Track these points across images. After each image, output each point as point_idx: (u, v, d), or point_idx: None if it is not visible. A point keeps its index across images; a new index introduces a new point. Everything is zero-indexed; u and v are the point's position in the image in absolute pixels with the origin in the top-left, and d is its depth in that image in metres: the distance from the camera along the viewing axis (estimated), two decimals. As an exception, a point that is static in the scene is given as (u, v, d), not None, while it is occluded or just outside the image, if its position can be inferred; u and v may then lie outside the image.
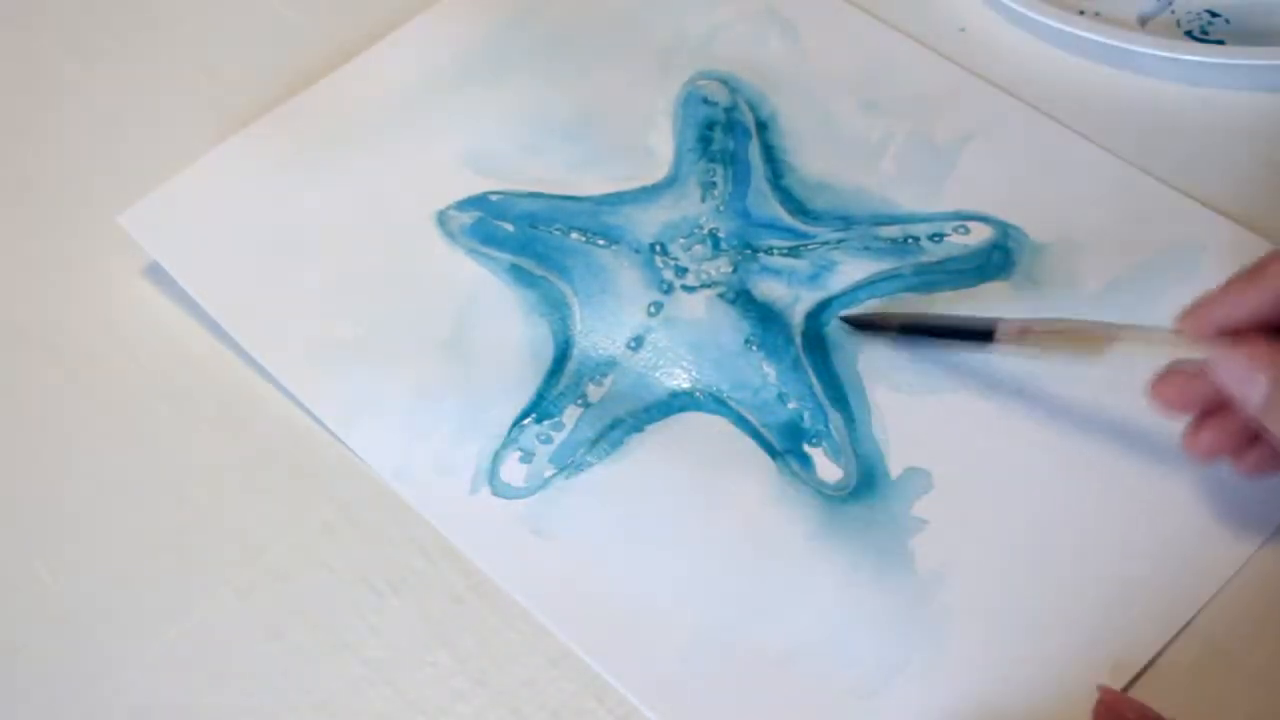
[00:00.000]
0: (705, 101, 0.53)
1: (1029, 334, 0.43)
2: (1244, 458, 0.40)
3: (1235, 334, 0.38)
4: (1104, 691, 0.39)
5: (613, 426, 0.45)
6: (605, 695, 0.41)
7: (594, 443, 0.45)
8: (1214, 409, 0.40)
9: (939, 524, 0.43)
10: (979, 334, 0.44)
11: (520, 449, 0.45)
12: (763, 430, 0.45)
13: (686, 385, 0.46)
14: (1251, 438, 0.40)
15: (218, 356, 0.48)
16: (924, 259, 0.49)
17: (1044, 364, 0.46)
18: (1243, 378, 0.37)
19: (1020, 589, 0.42)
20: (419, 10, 0.56)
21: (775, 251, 0.49)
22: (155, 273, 0.50)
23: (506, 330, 0.48)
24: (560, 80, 0.54)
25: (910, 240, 0.49)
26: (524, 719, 0.41)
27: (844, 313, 0.47)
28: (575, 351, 0.47)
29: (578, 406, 0.46)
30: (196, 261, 0.50)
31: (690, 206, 0.50)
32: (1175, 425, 0.41)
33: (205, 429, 0.47)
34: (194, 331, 0.49)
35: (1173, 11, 0.55)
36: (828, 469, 0.44)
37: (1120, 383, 0.43)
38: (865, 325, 0.47)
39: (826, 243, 0.49)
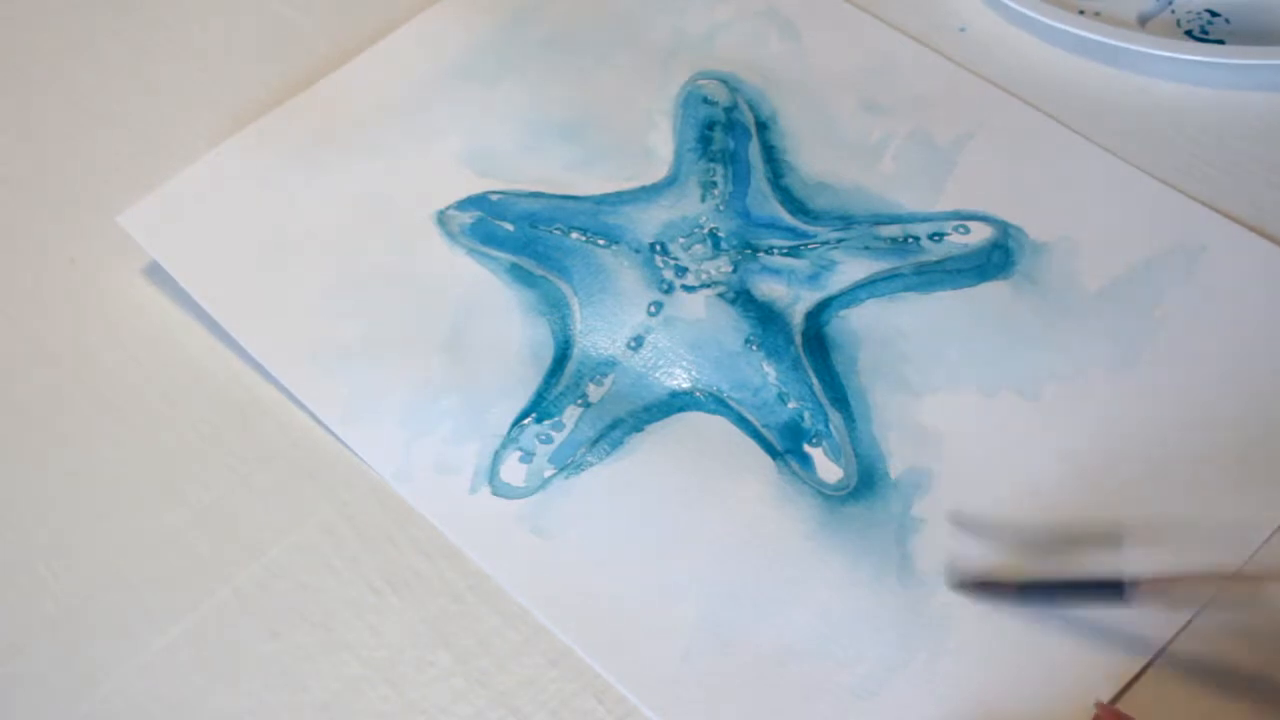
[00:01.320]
0: (705, 101, 0.53)
1: (1165, 590, 0.38)
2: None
3: None
4: (1100, 709, 0.38)
5: (613, 426, 0.45)
6: (605, 695, 0.41)
7: (594, 442, 0.45)
8: None
9: (939, 524, 0.43)
10: (1108, 589, 0.39)
11: (520, 449, 0.45)
12: (763, 430, 0.45)
13: (686, 385, 0.46)
14: None
15: (218, 356, 0.48)
16: (924, 258, 0.49)
17: (1046, 364, 0.46)
18: None
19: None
20: (419, 10, 0.56)
21: (775, 251, 0.49)
22: (155, 273, 0.50)
23: (506, 330, 0.48)
24: (560, 80, 0.54)
25: (910, 240, 0.49)
26: (524, 719, 0.41)
27: (962, 577, 0.42)
28: (575, 351, 0.47)
29: (578, 406, 0.46)
30: (196, 261, 0.50)
31: (690, 206, 0.50)
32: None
33: (205, 429, 0.47)
34: (194, 331, 0.49)
35: (1173, 11, 0.55)
36: (828, 469, 0.44)
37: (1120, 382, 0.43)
38: (981, 586, 0.41)
39: (826, 242, 0.49)
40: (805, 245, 0.49)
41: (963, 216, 0.49)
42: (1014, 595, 0.41)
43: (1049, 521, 0.42)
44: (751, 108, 0.53)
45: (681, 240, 0.49)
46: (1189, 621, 0.41)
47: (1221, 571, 0.38)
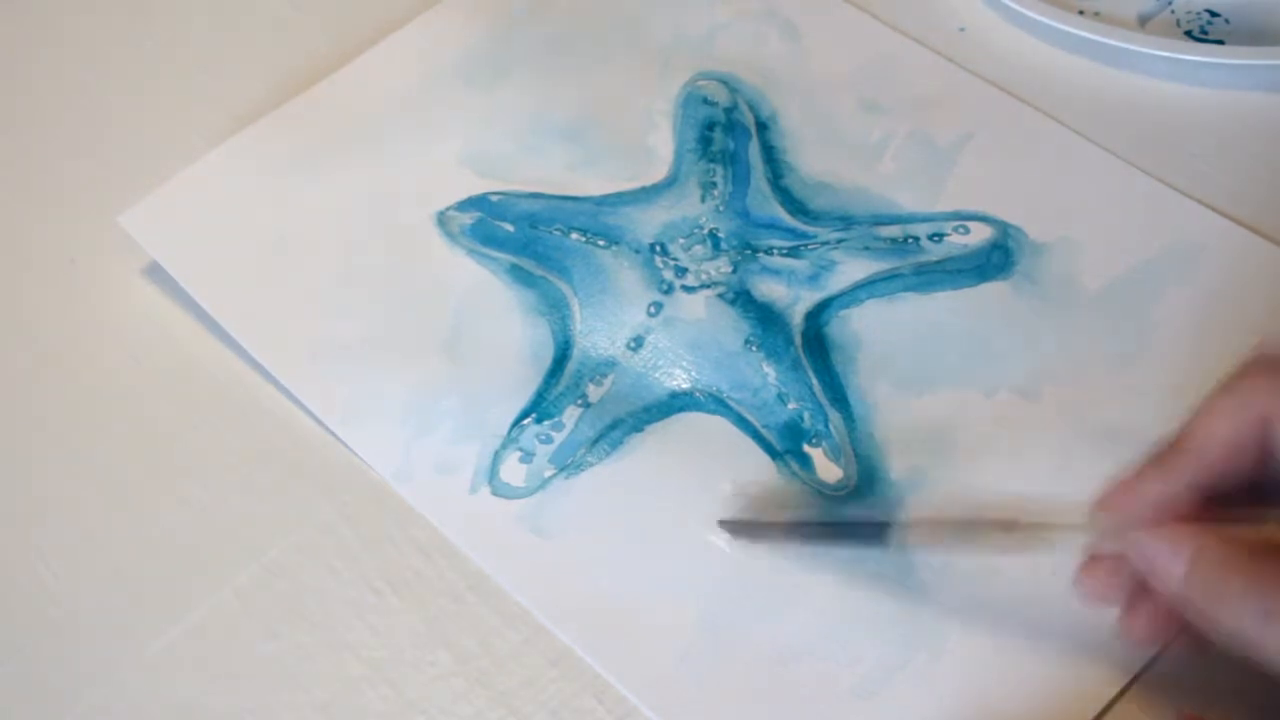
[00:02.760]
0: (705, 101, 0.53)
1: (927, 531, 0.40)
2: (1181, 639, 0.37)
3: (1152, 516, 0.35)
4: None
5: (613, 426, 0.45)
6: (605, 695, 0.41)
7: (594, 442, 0.45)
8: (1146, 590, 0.37)
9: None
10: (871, 529, 0.41)
11: (520, 449, 0.45)
12: (763, 430, 0.45)
13: (686, 385, 0.46)
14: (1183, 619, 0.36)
15: (218, 356, 0.48)
16: (924, 259, 0.49)
17: (1045, 364, 0.46)
18: (1160, 564, 0.34)
19: (1020, 588, 0.42)
20: (419, 10, 0.56)
21: (775, 251, 0.49)
22: (155, 273, 0.50)
23: (506, 330, 0.48)
24: (560, 80, 0.54)
25: (910, 240, 0.49)
26: (524, 719, 0.41)
27: (722, 519, 0.43)
28: (575, 351, 0.47)
29: (578, 406, 0.46)
30: (196, 261, 0.50)
31: (690, 206, 0.50)
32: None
33: (205, 429, 0.47)
34: (194, 331, 0.49)
35: (1172, 11, 0.55)
36: (828, 469, 0.44)
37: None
38: (748, 526, 0.43)
39: (826, 243, 0.49)
40: (805, 245, 0.49)
41: (962, 217, 0.49)
42: (781, 534, 0.42)
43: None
44: (751, 108, 0.53)
45: (681, 241, 0.49)
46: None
47: (990, 517, 0.39)
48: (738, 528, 0.43)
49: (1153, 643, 0.38)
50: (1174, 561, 0.34)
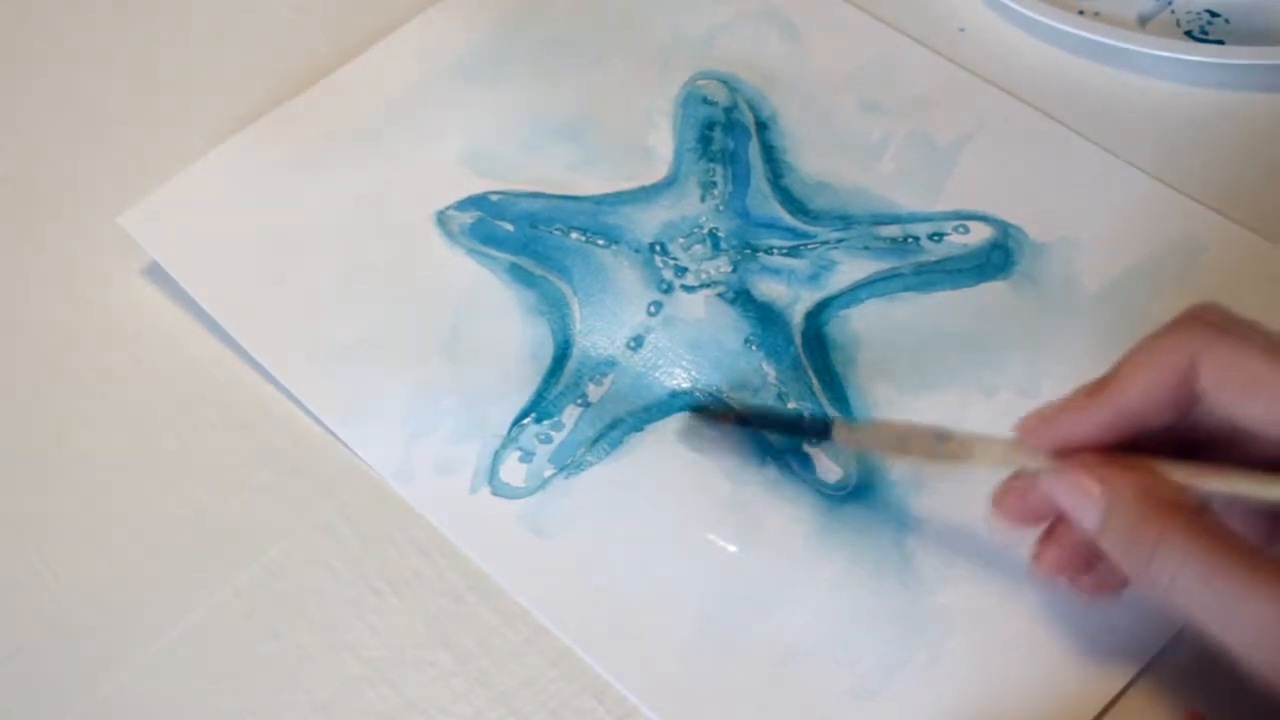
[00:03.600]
0: (705, 101, 0.53)
1: (860, 434, 0.42)
2: (1081, 579, 0.38)
3: (1075, 450, 0.36)
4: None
5: (612, 426, 0.45)
6: (605, 695, 0.41)
7: (594, 442, 0.45)
8: (1061, 523, 0.37)
9: (939, 523, 0.43)
10: (817, 425, 0.44)
11: (520, 448, 0.45)
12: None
13: (686, 385, 0.46)
14: (1094, 557, 0.37)
15: (218, 356, 0.48)
16: (924, 258, 0.49)
17: (1045, 363, 0.46)
18: (1077, 498, 0.35)
19: (1020, 587, 0.42)
20: (419, 10, 0.56)
21: (775, 251, 0.49)
22: (155, 273, 0.50)
23: (506, 330, 0.48)
24: (560, 80, 0.54)
25: (910, 240, 0.49)
26: (524, 719, 0.41)
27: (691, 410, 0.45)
28: (575, 351, 0.47)
29: (577, 406, 0.46)
30: (196, 261, 0.50)
31: (690, 206, 0.50)
32: None
33: (205, 429, 0.47)
34: (194, 331, 0.49)
35: (1172, 11, 0.55)
36: (827, 469, 0.44)
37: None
38: (703, 413, 0.45)
39: (826, 242, 0.49)
40: (805, 245, 0.49)
41: (962, 216, 0.49)
42: (732, 421, 0.44)
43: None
44: (751, 108, 0.53)
45: (681, 240, 0.49)
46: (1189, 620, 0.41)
47: (927, 427, 0.40)
48: (696, 416, 0.45)
49: (1060, 574, 0.38)
50: (1088, 500, 0.34)
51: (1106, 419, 0.35)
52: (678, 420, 0.45)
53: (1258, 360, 0.33)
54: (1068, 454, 0.36)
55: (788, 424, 0.45)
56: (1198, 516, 0.33)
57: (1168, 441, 0.35)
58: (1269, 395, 0.33)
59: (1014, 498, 0.38)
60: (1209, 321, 0.34)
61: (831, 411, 0.45)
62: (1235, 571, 0.31)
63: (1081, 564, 0.37)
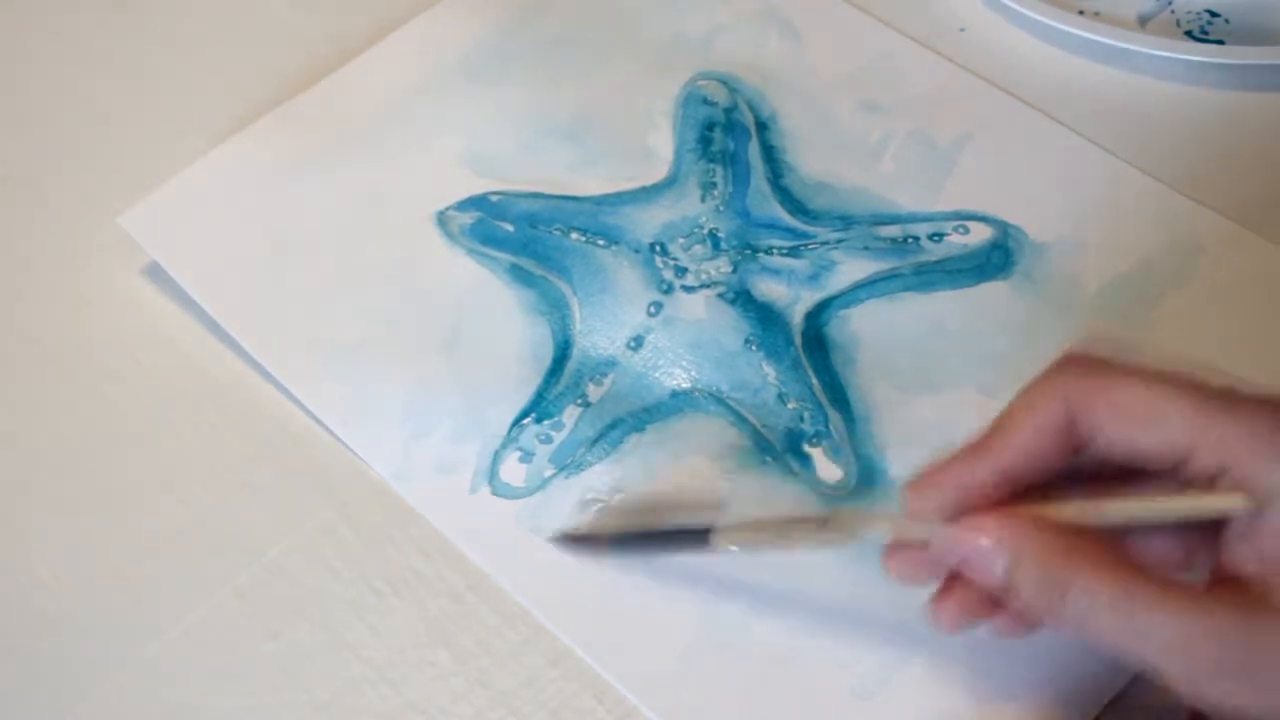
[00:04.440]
0: (705, 101, 0.53)
1: (740, 534, 0.39)
2: (995, 620, 0.37)
3: (967, 509, 0.35)
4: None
5: (612, 426, 0.45)
6: (605, 695, 0.41)
7: (594, 442, 0.45)
8: (956, 578, 0.37)
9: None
10: (694, 536, 0.40)
11: (520, 449, 0.45)
12: (762, 430, 0.45)
13: (686, 385, 0.46)
14: (995, 604, 0.36)
15: (218, 356, 0.48)
16: (924, 258, 0.49)
17: (1045, 363, 0.46)
18: (978, 554, 0.35)
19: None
20: (419, 10, 0.56)
21: (775, 251, 0.49)
22: (155, 273, 0.50)
23: (506, 330, 0.48)
24: (560, 80, 0.54)
25: (910, 240, 0.49)
26: (524, 719, 0.41)
27: (557, 533, 0.43)
28: (575, 351, 0.47)
29: (577, 406, 0.46)
30: (196, 261, 0.50)
31: (690, 206, 0.50)
32: None
33: (205, 429, 0.47)
34: (194, 331, 0.49)
35: (1173, 11, 0.55)
36: (827, 469, 0.44)
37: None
38: (575, 540, 0.43)
39: (826, 243, 0.49)
40: (805, 245, 0.49)
41: (962, 216, 0.49)
42: (606, 547, 0.42)
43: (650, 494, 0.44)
44: (751, 108, 0.53)
45: (681, 240, 0.49)
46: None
47: (805, 514, 0.40)
48: (568, 543, 0.43)
49: (960, 628, 0.37)
50: (992, 559, 0.34)
51: (994, 475, 0.35)
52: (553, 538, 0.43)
53: (1141, 391, 0.34)
54: (959, 514, 0.36)
55: (664, 540, 0.42)
56: (1100, 550, 0.34)
57: (1072, 482, 0.36)
58: (1157, 423, 0.33)
59: (906, 557, 0.37)
60: (1082, 363, 0.35)
61: (832, 413, 0.45)
62: (1144, 595, 0.32)
63: (983, 611, 0.37)
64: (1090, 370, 0.35)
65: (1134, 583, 0.33)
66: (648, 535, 0.42)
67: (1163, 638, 0.32)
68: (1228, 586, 0.33)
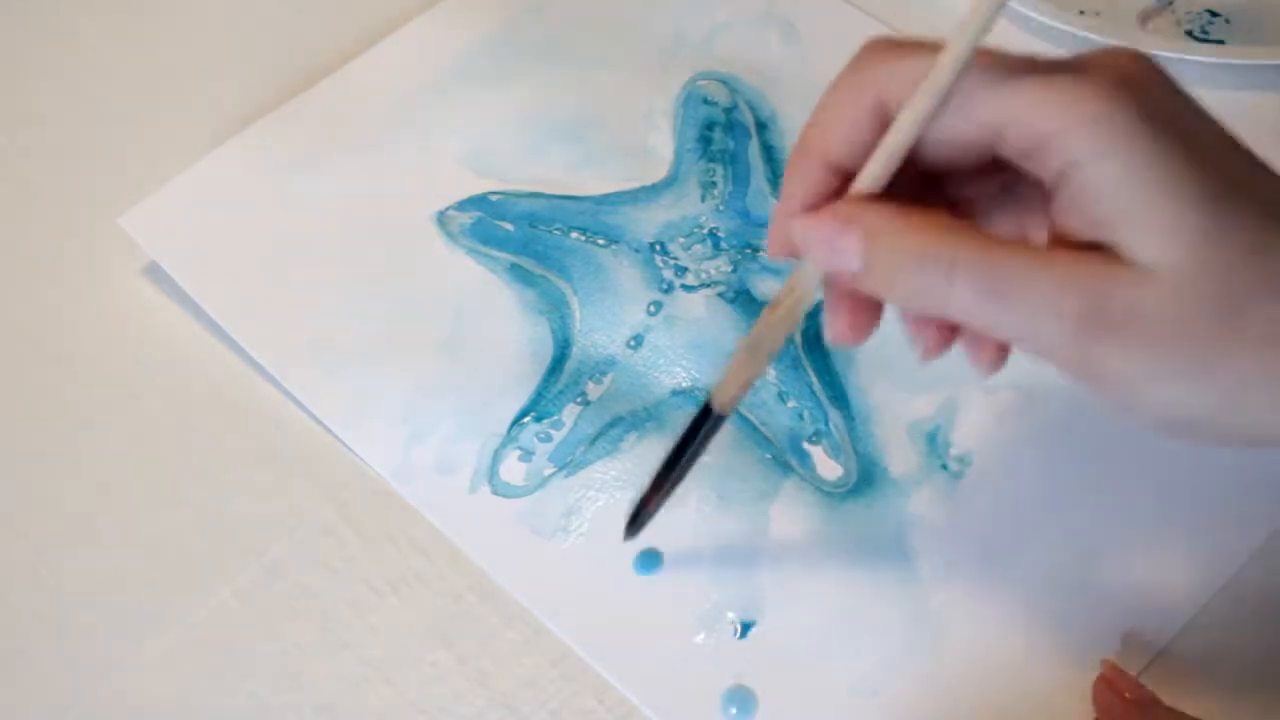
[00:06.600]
0: (705, 101, 0.53)
1: (732, 386, 0.37)
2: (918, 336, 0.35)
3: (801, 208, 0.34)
4: (1107, 667, 0.39)
5: (612, 425, 0.45)
6: (605, 695, 0.41)
7: (593, 441, 0.45)
8: (836, 292, 0.35)
9: (939, 521, 0.43)
10: (702, 422, 0.38)
11: (520, 447, 0.45)
12: (762, 428, 0.45)
13: (686, 384, 0.46)
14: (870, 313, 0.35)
15: (218, 356, 0.48)
16: (924, 258, 0.48)
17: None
18: (830, 249, 0.33)
19: (1021, 587, 0.42)
20: (419, 10, 0.56)
21: (775, 251, 0.49)
22: (155, 273, 0.50)
23: (506, 329, 0.48)
24: (560, 80, 0.54)
25: (910, 240, 0.49)
26: (524, 719, 0.41)
27: (627, 536, 0.41)
28: (575, 350, 0.47)
29: (577, 405, 0.46)
30: (196, 262, 0.50)
31: (690, 206, 0.50)
32: None
33: (205, 429, 0.47)
34: (194, 331, 0.49)
35: (1173, 11, 0.55)
36: (827, 467, 0.44)
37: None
38: (634, 521, 0.40)
39: (826, 242, 0.49)
40: (805, 245, 0.49)
41: (963, 216, 0.49)
42: (653, 497, 0.39)
43: None
44: (751, 108, 0.53)
45: (681, 240, 0.49)
46: (1190, 620, 0.41)
47: (753, 324, 0.36)
48: (634, 530, 0.40)
49: (856, 338, 0.35)
50: (841, 246, 0.33)
51: (819, 165, 0.34)
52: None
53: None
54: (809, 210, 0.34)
55: (683, 450, 0.39)
56: (948, 218, 0.32)
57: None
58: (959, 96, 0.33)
59: (838, 308, 0.35)
60: (883, 46, 0.35)
61: (832, 411, 0.45)
62: (1008, 258, 0.31)
63: (870, 320, 0.35)
64: (891, 51, 0.35)
65: (1010, 251, 0.31)
66: (671, 461, 0.39)
67: (1030, 300, 0.30)
68: (1071, 248, 0.31)
